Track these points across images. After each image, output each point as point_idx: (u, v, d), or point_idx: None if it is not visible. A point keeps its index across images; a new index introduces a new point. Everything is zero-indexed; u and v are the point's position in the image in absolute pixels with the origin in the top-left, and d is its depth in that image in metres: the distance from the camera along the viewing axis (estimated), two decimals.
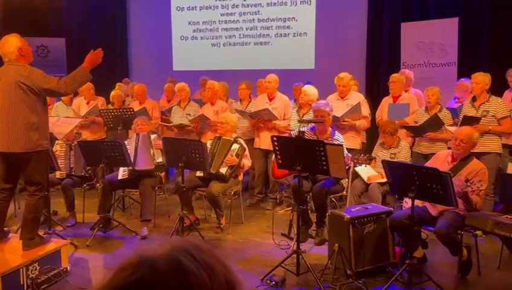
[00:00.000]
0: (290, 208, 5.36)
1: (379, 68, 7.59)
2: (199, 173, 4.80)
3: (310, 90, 5.31)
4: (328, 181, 3.89)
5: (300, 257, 3.52)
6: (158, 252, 0.67)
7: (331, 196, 4.11)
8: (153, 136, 4.97)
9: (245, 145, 4.85)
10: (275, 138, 3.48)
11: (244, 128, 5.81)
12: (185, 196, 4.67)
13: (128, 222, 4.85)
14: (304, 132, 3.45)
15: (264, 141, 5.47)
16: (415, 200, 3.19)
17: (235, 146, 4.72)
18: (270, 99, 5.60)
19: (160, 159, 4.85)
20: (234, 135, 4.97)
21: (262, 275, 3.53)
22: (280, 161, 3.51)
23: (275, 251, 4.15)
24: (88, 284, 3.45)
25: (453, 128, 4.72)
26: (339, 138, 3.96)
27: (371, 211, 3.61)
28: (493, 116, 4.64)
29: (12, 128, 3.34)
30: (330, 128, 4.06)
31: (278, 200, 5.67)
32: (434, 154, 4.95)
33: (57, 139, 4.31)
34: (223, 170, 4.60)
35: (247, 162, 4.83)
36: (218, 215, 4.71)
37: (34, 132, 3.41)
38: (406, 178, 3.19)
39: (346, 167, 3.70)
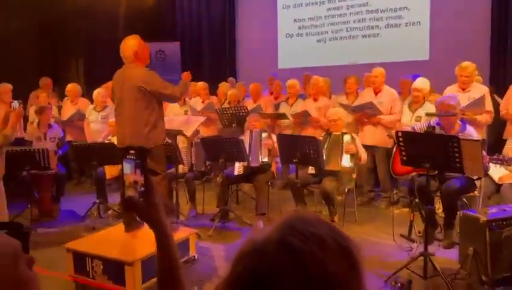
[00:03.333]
0: (407, 208, 5.13)
1: (505, 58, 6.84)
2: (311, 170, 4.79)
3: (423, 85, 4.97)
4: (459, 180, 3.59)
5: (427, 259, 3.32)
6: (267, 236, 0.67)
7: (462, 196, 3.80)
8: (264, 135, 5.07)
9: (355, 136, 4.76)
10: (399, 133, 3.31)
11: (347, 124, 5.64)
12: (298, 192, 4.70)
13: (243, 215, 5.03)
14: (434, 127, 3.23)
15: (369, 136, 5.28)
16: None
17: (347, 137, 4.65)
18: (376, 93, 5.37)
19: (266, 159, 4.93)
20: (345, 130, 4.89)
21: (385, 277, 3.40)
22: (405, 158, 3.34)
23: (395, 252, 3.97)
24: (214, 272, 3.65)
25: None
26: (472, 132, 3.64)
27: (510, 214, 3.26)
28: None
29: (134, 126, 3.68)
30: (460, 122, 3.76)
31: (391, 199, 5.43)
32: None
33: (184, 136, 4.66)
34: (346, 162, 4.55)
35: (363, 154, 4.72)
36: (332, 213, 4.66)
37: (152, 129, 3.72)
38: None
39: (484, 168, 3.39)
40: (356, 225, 4.75)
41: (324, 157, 4.57)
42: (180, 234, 3.82)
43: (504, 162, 3.26)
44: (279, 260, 0.63)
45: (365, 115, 5.26)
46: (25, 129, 6.35)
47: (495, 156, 3.32)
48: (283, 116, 6.00)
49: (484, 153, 3.47)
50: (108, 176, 5.33)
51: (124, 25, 8.98)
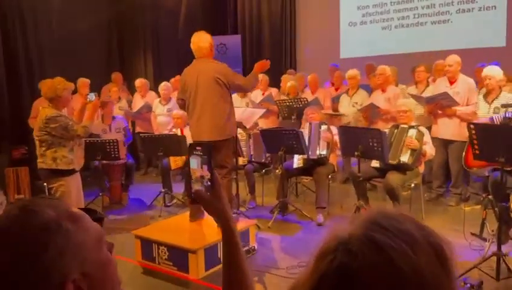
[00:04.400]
0: (479, 205, 4.80)
1: None
2: (375, 163, 4.64)
3: (493, 71, 4.56)
4: None
5: (501, 260, 3.10)
6: (351, 232, 0.65)
7: None
8: (323, 127, 4.98)
9: (424, 131, 4.49)
10: (472, 125, 3.10)
11: (418, 115, 5.36)
12: (360, 186, 4.58)
13: (303, 208, 5.00)
14: (510, 118, 2.99)
15: (444, 129, 4.97)
16: None
17: (412, 131, 4.43)
18: (451, 83, 5.02)
19: (324, 152, 4.83)
20: (413, 123, 4.65)
21: None
22: (477, 152, 3.12)
23: (465, 252, 3.74)
24: (273, 263, 3.67)
25: None
26: None
27: None
28: None
29: (212, 119, 3.75)
30: None
31: (462, 196, 5.12)
32: None
33: (242, 128, 4.72)
34: (405, 158, 4.35)
35: (429, 149, 4.46)
36: (396, 209, 4.48)
37: (228, 121, 3.79)
38: None
39: None
40: (423, 222, 4.51)
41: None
42: (240, 224, 3.88)
43: None
44: (369, 257, 0.61)
45: (439, 106, 4.97)
46: None
47: None
48: (339, 115, 5.89)
49: None
50: (173, 167, 5.55)
51: (185, 18, 9.23)
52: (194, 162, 1.08)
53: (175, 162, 5.53)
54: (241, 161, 5.25)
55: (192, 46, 3.87)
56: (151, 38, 8.78)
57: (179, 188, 5.81)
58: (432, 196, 5.25)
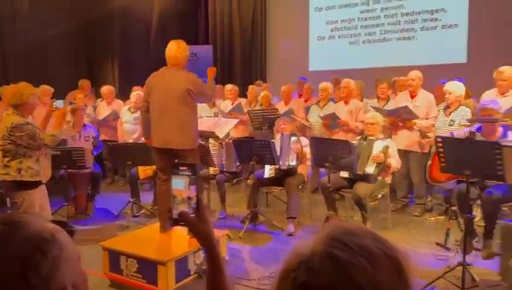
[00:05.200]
0: (443, 215, 4.98)
1: None
2: (344, 174, 4.72)
3: (453, 87, 4.80)
4: (501, 188, 3.45)
5: (466, 270, 3.20)
6: (312, 249, 0.66)
7: (503, 205, 3.65)
8: (293, 138, 5.02)
9: (390, 144, 4.63)
10: (439, 139, 3.22)
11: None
12: (330, 196, 4.64)
13: (273, 218, 5.00)
14: (474, 133, 3.12)
15: (403, 140, 5.17)
16: None
17: (379, 144, 4.56)
18: (412, 97, 5.24)
19: (293, 163, 4.86)
20: (381, 136, 4.79)
21: (421, 286, 3.30)
22: (444, 164, 3.24)
23: (430, 261, 3.85)
24: (245, 274, 3.64)
25: None
26: None
27: None
28: None
29: (184, 129, 3.72)
30: (501, 128, 3.62)
31: (426, 206, 5.29)
32: None
33: (217, 137, 4.69)
34: (370, 169, 4.45)
35: (394, 163, 4.59)
36: (365, 219, 4.57)
37: (196, 131, 3.82)
38: None
39: None
40: (389, 232, 4.63)
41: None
42: None
43: None
44: (328, 274, 0.63)
45: (400, 119, 5.16)
46: None
47: None
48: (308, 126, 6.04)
49: None
50: (141, 176, 5.43)
51: (157, 27, 9.16)
52: (180, 183, 1.04)
53: (144, 171, 5.41)
54: (212, 170, 5.22)
55: (168, 52, 3.80)
56: (119, 46, 8.64)
57: (147, 198, 5.70)
58: (398, 206, 5.40)
